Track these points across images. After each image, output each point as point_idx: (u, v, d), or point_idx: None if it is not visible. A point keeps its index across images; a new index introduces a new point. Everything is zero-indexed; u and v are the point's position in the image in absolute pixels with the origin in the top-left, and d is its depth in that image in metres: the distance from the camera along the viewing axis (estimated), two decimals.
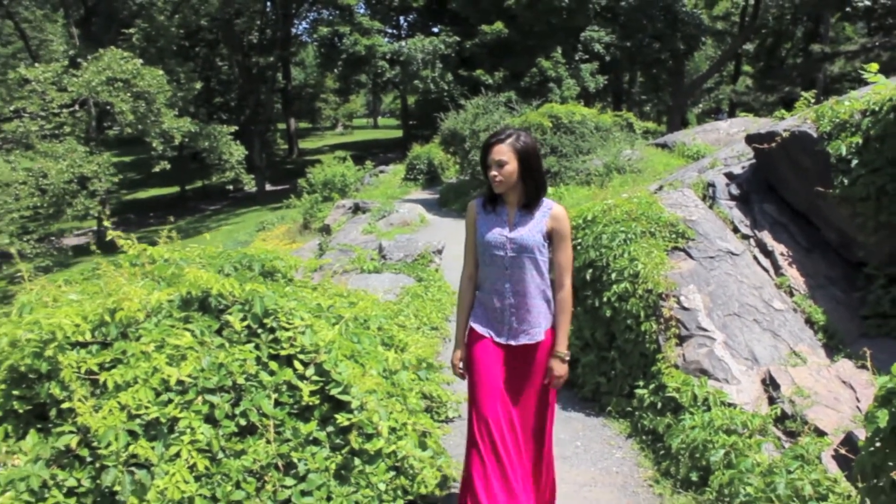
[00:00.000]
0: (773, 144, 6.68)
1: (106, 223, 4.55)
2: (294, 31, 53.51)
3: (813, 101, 7.53)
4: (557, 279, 3.79)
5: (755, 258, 6.57)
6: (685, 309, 5.78)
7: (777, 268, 6.47)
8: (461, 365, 4.02)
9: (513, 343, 3.83)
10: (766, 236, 6.69)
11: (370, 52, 41.30)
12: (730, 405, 5.11)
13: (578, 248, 6.55)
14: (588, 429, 5.91)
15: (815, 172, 6.27)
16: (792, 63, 45.40)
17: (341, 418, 3.65)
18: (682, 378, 5.37)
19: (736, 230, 6.83)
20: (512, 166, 3.66)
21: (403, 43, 41.48)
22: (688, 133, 19.83)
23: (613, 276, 6.10)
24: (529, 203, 3.76)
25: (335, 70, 44.59)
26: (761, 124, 7.58)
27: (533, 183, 3.72)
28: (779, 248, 6.58)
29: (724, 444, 4.69)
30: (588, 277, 6.34)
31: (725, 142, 16.48)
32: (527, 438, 3.95)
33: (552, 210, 3.76)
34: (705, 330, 5.65)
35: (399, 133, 56.60)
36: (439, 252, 11.57)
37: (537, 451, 4.00)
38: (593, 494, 4.89)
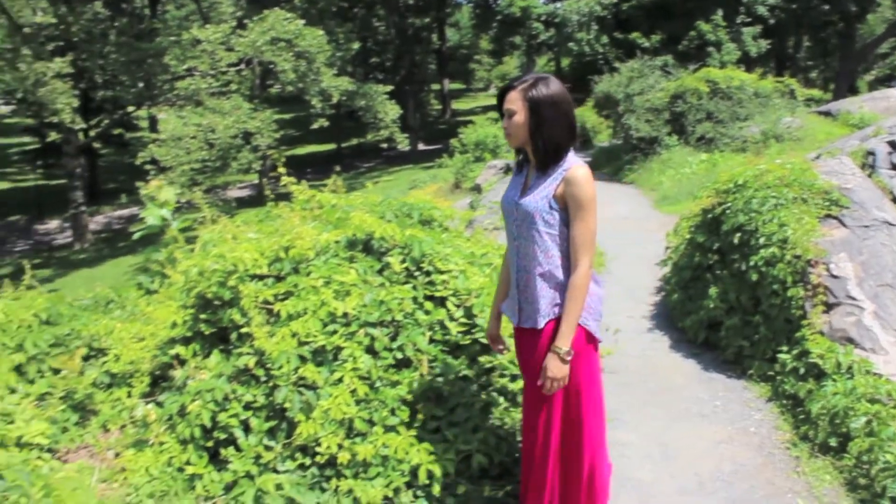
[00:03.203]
0: None
1: (280, 169, 4.96)
2: None
3: None
4: (571, 258, 3.14)
5: None
6: (834, 277, 5.71)
7: None
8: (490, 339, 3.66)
9: (523, 325, 3.32)
10: None
11: (525, 13, 41.09)
12: (875, 374, 5.06)
13: (728, 211, 6.55)
14: (728, 390, 5.95)
15: None
16: None
17: (484, 360, 3.91)
18: (826, 345, 5.34)
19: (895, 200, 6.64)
20: (520, 117, 3.12)
21: (559, 4, 41.07)
22: (854, 101, 18.94)
23: (762, 240, 6.07)
24: (543, 163, 3.17)
25: (490, 31, 44.68)
26: None
27: (540, 139, 3.11)
28: None
29: (867, 412, 4.66)
30: (736, 241, 6.34)
31: None
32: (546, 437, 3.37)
33: (567, 172, 3.10)
34: (854, 299, 5.57)
35: None
36: None
37: (564, 456, 3.40)
38: (729, 452, 4.97)
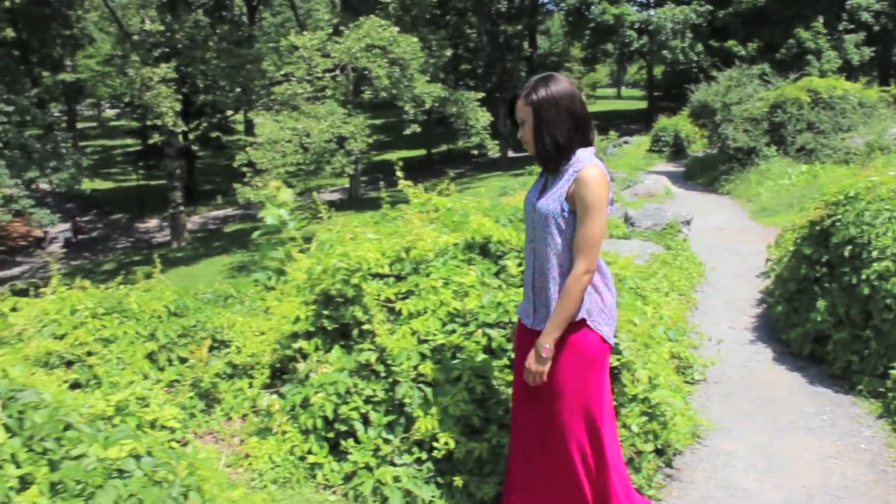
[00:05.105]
0: None
1: (398, 173, 5.12)
2: None
3: None
4: (574, 258, 3.05)
5: None
6: None
7: None
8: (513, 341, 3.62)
9: (536, 328, 3.24)
10: None
11: (618, 21, 40.84)
12: None
13: (838, 224, 6.45)
14: (835, 405, 5.86)
15: None
16: None
17: (612, 359, 3.96)
18: None
19: None
20: (529, 124, 3.08)
21: (653, 12, 40.77)
22: None
23: (874, 254, 5.96)
24: (546, 165, 3.14)
25: (582, 39, 44.48)
26: None
27: (540, 140, 3.06)
28: None
29: None
30: (846, 254, 6.24)
31: None
32: (551, 443, 3.32)
33: (579, 171, 2.99)
34: None
35: (643, 104, 55.71)
36: (688, 223, 11.58)
37: (567, 461, 3.30)
38: (838, 467, 4.90)
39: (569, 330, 3.09)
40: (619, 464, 3.39)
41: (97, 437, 2.62)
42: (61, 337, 4.35)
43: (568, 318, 3.05)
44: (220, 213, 41.54)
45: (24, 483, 2.36)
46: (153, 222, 40.81)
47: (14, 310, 4.52)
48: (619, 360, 3.97)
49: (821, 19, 35.13)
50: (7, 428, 2.41)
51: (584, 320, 3.10)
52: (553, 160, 3.06)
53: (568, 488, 3.33)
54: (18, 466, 2.35)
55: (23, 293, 4.79)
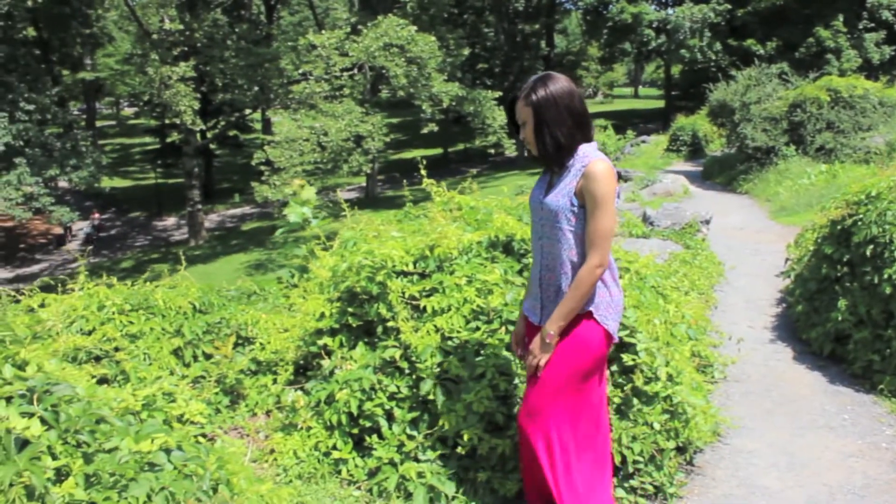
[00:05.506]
0: None
1: (422, 171, 5.15)
2: None
3: None
4: (586, 252, 3.05)
5: None
6: None
7: None
8: (514, 341, 3.60)
9: (543, 325, 3.21)
10: None
11: (636, 20, 40.75)
12: None
13: (859, 223, 6.43)
14: (856, 404, 5.85)
15: None
16: None
17: (627, 358, 3.98)
18: None
19: None
20: (530, 125, 3.09)
21: (671, 10, 40.64)
22: None
23: None
24: (547, 162, 3.17)
25: (600, 38, 44.40)
26: None
27: (541, 140, 3.08)
28: None
29: None
30: (868, 253, 6.22)
31: None
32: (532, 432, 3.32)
33: (586, 166, 3.00)
34: None
35: (660, 104, 55.47)
36: (707, 222, 11.56)
37: (533, 454, 3.36)
38: (860, 465, 4.89)
39: (575, 321, 3.12)
40: (586, 467, 3.36)
41: (129, 431, 2.66)
42: (89, 333, 4.41)
43: (575, 310, 3.07)
44: (238, 211, 41.75)
45: (60, 475, 2.40)
46: (171, 220, 41.07)
47: (42, 305, 4.58)
48: (633, 360, 3.98)
49: (841, 18, 34.91)
50: (43, 421, 2.45)
51: (590, 313, 3.12)
52: (555, 159, 3.08)
53: (544, 485, 3.36)
54: (55, 458, 2.39)
55: (50, 289, 4.86)
